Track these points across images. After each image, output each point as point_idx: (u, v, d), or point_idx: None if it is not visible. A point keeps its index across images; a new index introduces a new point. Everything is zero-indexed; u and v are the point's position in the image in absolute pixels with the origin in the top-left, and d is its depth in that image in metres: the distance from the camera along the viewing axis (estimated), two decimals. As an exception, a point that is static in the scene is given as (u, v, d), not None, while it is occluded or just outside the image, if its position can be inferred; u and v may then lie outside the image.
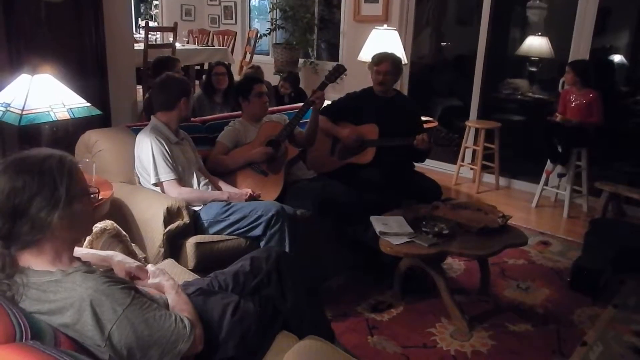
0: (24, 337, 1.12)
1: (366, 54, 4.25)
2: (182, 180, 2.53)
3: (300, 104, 3.16)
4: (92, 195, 1.42)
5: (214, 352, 1.49)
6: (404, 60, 4.37)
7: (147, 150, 2.47)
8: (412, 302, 2.69)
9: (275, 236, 2.38)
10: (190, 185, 2.57)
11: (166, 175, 2.47)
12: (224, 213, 2.46)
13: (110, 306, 1.24)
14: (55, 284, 1.24)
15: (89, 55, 3.48)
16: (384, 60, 3.21)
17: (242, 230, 2.43)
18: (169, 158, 2.48)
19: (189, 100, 2.60)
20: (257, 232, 2.40)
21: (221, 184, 2.74)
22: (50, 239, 1.26)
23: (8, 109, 2.17)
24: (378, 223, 2.57)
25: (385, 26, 4.53)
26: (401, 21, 5.15)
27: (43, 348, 1.10)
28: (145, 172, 2.52)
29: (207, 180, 2.66)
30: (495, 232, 2.57)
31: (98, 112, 2.48)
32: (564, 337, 2.45)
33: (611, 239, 3.08)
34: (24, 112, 2.12)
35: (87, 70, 3.46)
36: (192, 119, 3.32)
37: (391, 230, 2.51)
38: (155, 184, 2.49)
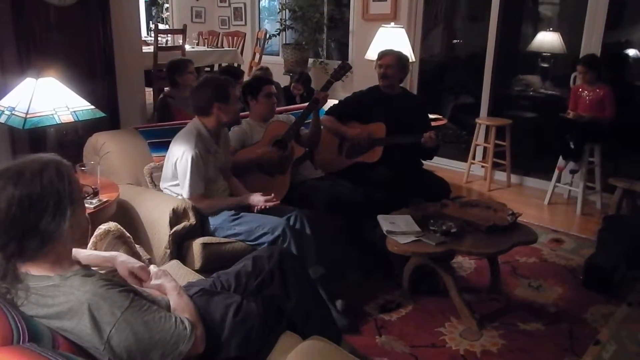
0: (21, 340, 1.12)
1: (373, 53, 4.22)
2: (207, 188, 2.50)
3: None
4: (85, 197, 1.41)
5: (216, 352, 1.49)
6: (412, 58, 4.34)
7: (185, 162, 2.39)
8: (421, 301, 2.67)
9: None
10: (215, 191, 2.54)
11: (196, 190, 2.43)
12: (232, 222, 2.44)
13: (109, 309, 1.24)
14: (54, 288, 1.24)
15: (97, 58, 3.51)
16: (387, 55, 3.21)
17: (247, 242, 2.42)
18: (203, 173, 2.43)
19: (228, 103, 2.45)
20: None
21: (237, 184, 2.71)
22: (56, 247, 1.26)
23: (13, 112, 2.19)
24: (385, 222, 2.55)
25: (392, 24, 4.51)
26: (410, 19, 5.12)
27: (39, 350, 1.10)
28: (175, 177, 2.47)
29: (226, 184, 2.64)
30: (504, 230, 2.53)
31: (102, 114, 2.49)
32: (577, 335, 2.41)
33: (625, 236, 3.02)
34: (28, 116, 2.13)
35: (96, 72, 3.49)
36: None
37: (398, 229, 2.49)
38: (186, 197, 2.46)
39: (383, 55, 3.23)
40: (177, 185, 2.49)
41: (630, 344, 2.34)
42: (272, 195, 2.53)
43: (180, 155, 2.41)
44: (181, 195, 2.47)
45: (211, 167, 2.51)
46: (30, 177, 1.21)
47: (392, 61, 3.18)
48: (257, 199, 2.50)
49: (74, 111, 2.29)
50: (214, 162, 2.53)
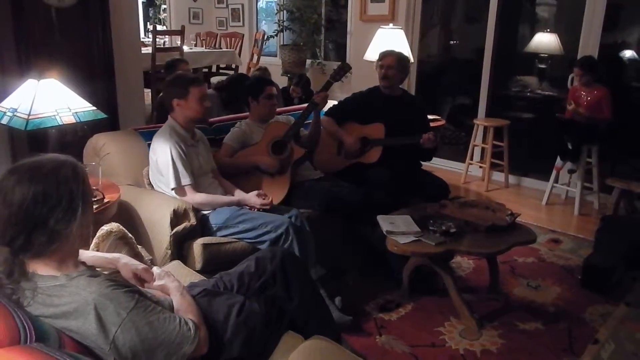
0: (28, 340, 1.13)
1: (372, 54, 4.24)
2: (196, 182, 2.52)
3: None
4: (94, 200, 1.43)
5: (219, 352, 1.50)
6: (411, 59, 4.35)
7: (166, 155, 2.43)
8: (420, 301, 2.68)
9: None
10: (203, 189, 2.55)
11: (185, 179, 2.45)
12: (235, 219, 2.45)
13: (114, 310, 1.25)
14: (60, 288, 1.25)
15: (97, 60, 3.51)
16: (388, 55, 3.22)
17: (248, 240, 2.43)
18: (187, 162, 2.46)
19: (186, 100, 2.48)
20: (263, 247, 2.37)
21: (230, 185, 2.71)
22: (63, 246, 1.27)
23: (15, 114, 2.19)
24: (385, 222, 2.56)
25: (390, 25, 4.52)
26: (408, 20, 5.14)
27: (46, 350, 1.10)
28: (160, 175, 2.50)
29: (218, 183, 2.65)
30: (503, 230, 2.55)
31: (103, 115, 2.50)
32: (575, 335, 2.42)
33: (623, 236, 3.03)
34: (30, 117, 2.14)
35: (95, 74, 3.49)
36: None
37: (398, 229, 2.50)
38: (173, 188, 2.47)
39: (384, 55, 3.24)
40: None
41: (629, 344, 2.35)
42: (269, 199, 2.55)
43: (160, 152, 2.47)
44: (172, 191, 2.48)
45: (195, 161, 2.54)
46: (46, 173, 1.23)
47: (393, 62, 3.19)
48: (253, 199, 2.53)
49: (76, 112, 2.30)
50: (197, 157, 2.56)
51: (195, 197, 2.47)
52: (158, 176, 2.54)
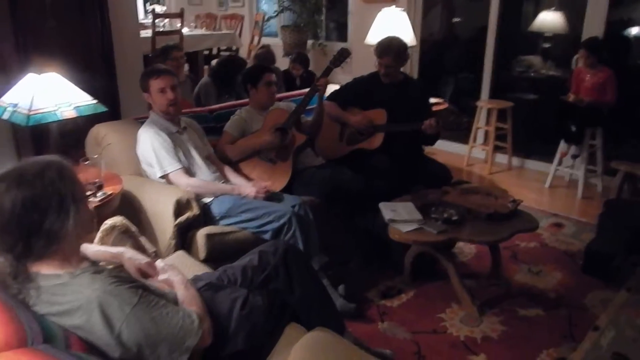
0: (34, 341, 1.15)
1: (374, 37, 4.19)
2: (188, 169, 2.53)
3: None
4: (87, 194, 1.43)
5: (223, 345, 1.52)
6: (413, 41, 4.30)
7: (147, 145, 2.48)
8: (422, 287, 2.70)
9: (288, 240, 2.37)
10: (197, 175, 2.56)
11: (171, 166, 2.47)
12: (237, 209, 2.45)
13: (118, 306, 1.27)
14: (63, 286, 1.27)
15: (96, 49, 3.46)
16: (386, 55, 3.12)
17: (251, 229, 2.43)
18: (171, 149, 2.48)
19: (149, 93, 2.52)
20: (266, 236, 2.38)
21: (228, 172, 2.73)
22: (62, 246, 1.28)
23: (16, 109, 2.19)
24: (387, 210, 2.57)
25: (393, 7, 4.45)
26: (410, 0, 5.05)
27: (53, 352, 1.12)
28: (150, 167, 2.53)
29: (216, 169, 2.66)
30: (505, 218, 2.55)
31: (104, 108, 2.49)
32: (576, 321, 2.44)
33: (626, 220, 3.03)
34: (31, 113, 2.13)
35: (95, 63, 3.45)
36: (198, 108, 3.35)
37: (400, 217, 2.51)
38: (162, 177, 2.50)
39: (381, 54, 3.13)
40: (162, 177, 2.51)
41: (629, 330, 2.37)
42: (263, 186, 2.54)
43: (142, 145, 2.52)
44: (161, 178, 2.50)
45: (185, 147, 2.56)
46: (32, 178, 1.24)
47: (391, 62, 3.12)
48: (249, 189, 2.53)
49: (77, 106, 2.29)
50: (185, 144, 2.57)
51: (189, 181, 2.48)
52: (149, 169, 2.54)
